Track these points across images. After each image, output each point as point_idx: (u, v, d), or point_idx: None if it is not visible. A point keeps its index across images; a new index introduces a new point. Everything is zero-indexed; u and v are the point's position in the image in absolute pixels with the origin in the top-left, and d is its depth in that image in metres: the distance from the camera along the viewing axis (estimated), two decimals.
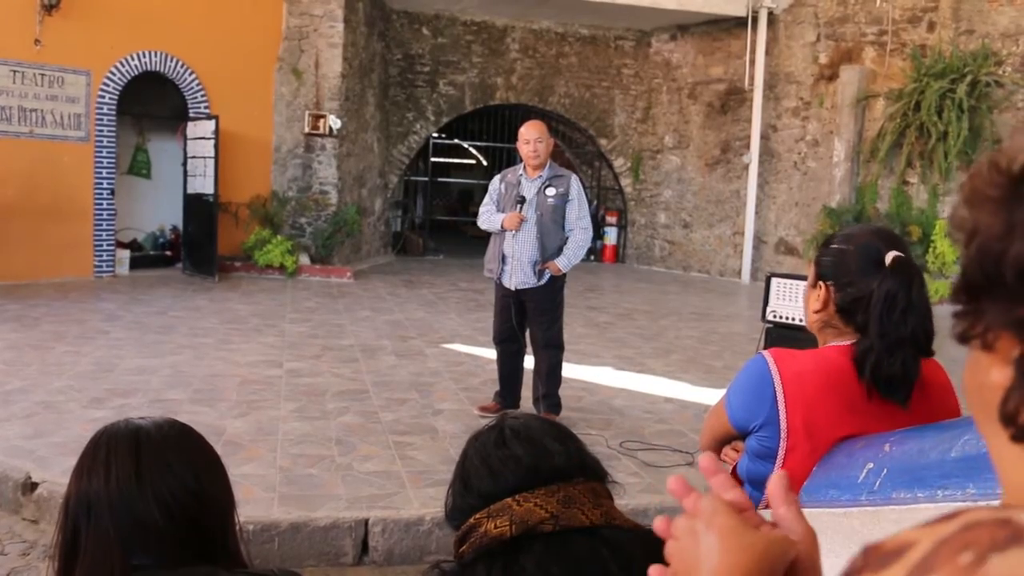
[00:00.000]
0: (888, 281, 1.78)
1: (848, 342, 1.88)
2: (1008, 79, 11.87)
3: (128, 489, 1.44)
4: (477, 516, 1.28)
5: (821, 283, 1.92)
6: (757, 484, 1.88)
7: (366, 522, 4.31)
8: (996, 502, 1.18)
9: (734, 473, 1.98)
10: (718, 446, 2.10)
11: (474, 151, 23.89)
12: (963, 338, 0.61)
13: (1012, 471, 0.60)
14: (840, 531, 1.38)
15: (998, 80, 11.86)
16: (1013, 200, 0.58)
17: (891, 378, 1.78)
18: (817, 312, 1.93)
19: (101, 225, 12.29)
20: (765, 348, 5.28)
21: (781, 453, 1.81)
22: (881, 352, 1.76)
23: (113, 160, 12.43)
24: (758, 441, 1.86)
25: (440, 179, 20.93)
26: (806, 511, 1.57)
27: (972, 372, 0.63)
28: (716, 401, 2.09)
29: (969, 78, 11.79)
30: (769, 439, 1.83)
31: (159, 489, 1.45)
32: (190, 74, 12.96)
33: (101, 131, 12.19)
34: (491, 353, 6.43)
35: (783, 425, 1.81)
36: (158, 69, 12.74)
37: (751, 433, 1.89)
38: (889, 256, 1.81)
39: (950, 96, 11.86)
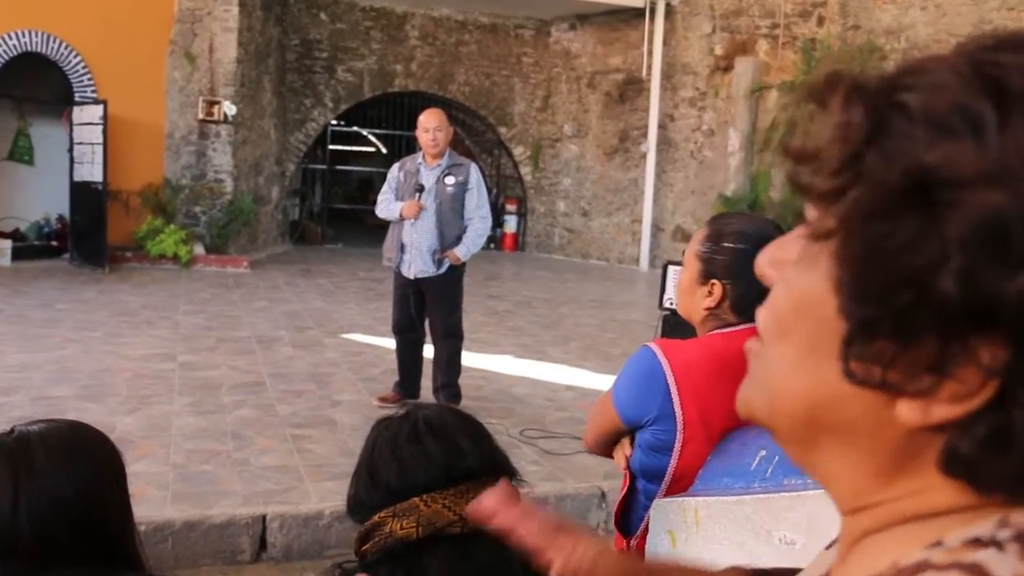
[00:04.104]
0: None
1: (732, 329, 1.90)
2: None
3: (4, 506, 1.39)
4: (382, 515, 1.25)
5: (715, 281, 1.92)
6: (653, 478, 1.88)
7: (263, 518, 4.23)
8: None
9: (628, 469, 1.98)
10: (607, 443, 2.06)
11: (373, 139, 23.66)
12: (874, 383, 0.53)
13: (855, 479, 0.57)
14: (734, 518, 1.40)
15: None
16: (927, 207, 0.49)
17: None
18: (709, 308, 1.94)
19: None
20: (662, 336, 5.36)
21: (678, 446, 1.81)
22: None
23: None
24: (652, 435, 1.85)
25: (339, 167, 20.68)
26: (702, 499, 1.59)
27: (827, 402, 0.56)
28: (601, 397, 2.06)
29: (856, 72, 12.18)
30: (664, 432, 1.83)
31: (37, 503, 1.40)
32: (75, 56, 12.49)
33: None
34: (390, 343, 6.39)
35: (679, 418, 1.81)
36: (39, 50, 12.24)
37: (643, 427, 1.88)
38: None
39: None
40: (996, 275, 0.47)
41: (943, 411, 0.51)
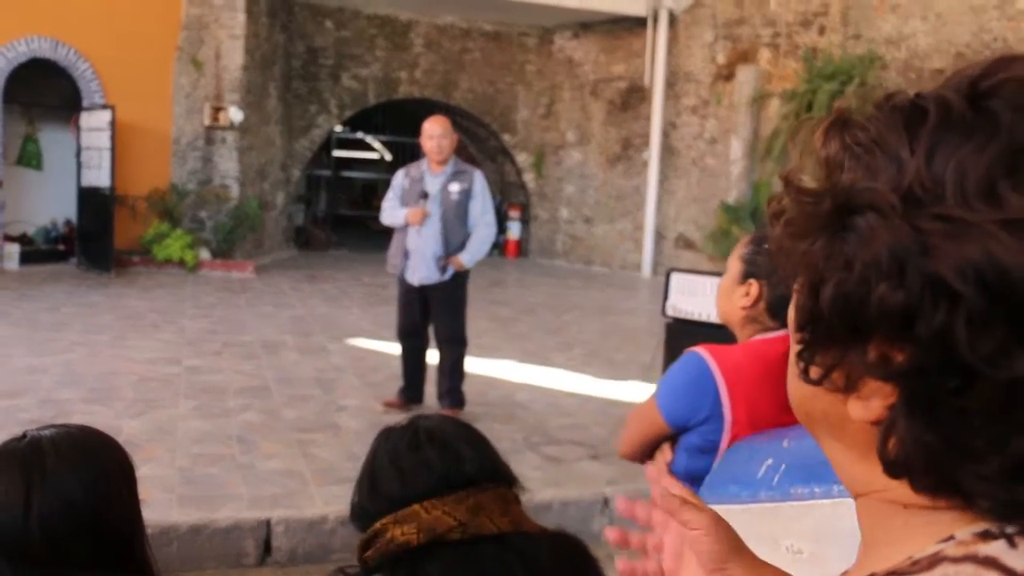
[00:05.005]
0: None
1: (774, 334, 1.95)
2: (892, 83, 12.31)
3: (15, 511, 1.40)
4: (383, 521, 1.27)
5: (753, 281, 1.97)
6: (698, 479, 1.90)
7: (268, 522, 4.26)
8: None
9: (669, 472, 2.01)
10: (647, 449, 2.08)
11: (378, 145, 23.70)
12: (816, 382, 0.60)
13: (849, 468, 0.64)
14: (740, 527, 1.42)
15: (883, 84, 12.31)
16: (839, 229, 0.57)
17: None
18: (745, 308, 1.99)
19: None
20: (666, 342, 5.39)
21: (724, 445, 1.85)
22: None
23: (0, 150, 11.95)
24: (700, 436, 1.89)
25: (343, 173, 20.72)
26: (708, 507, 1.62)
27: (805, 398, 0.64)
28: (640, 404, 2.10)
29: (857, 81, 12.20)
30: (713, 432, 1.87)
31: (49, 508, 1.41)
32: (83, 62, 12.54)
33: None
34: (395, 348, 6.41)
35: (727, 418, 1.85)
36: (48, 56, 12.30)
37: (690, 429, 1.92)
38: None
39: (840, 97, 12.25)
40: (865, 287, 0.54)
41: (876, 408, 0.57)
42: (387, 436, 1.38)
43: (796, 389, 0.65)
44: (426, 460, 1.30)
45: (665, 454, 2.03)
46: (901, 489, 0.59)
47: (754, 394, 1.87)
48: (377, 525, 1.27)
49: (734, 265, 2.04)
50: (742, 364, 1.91)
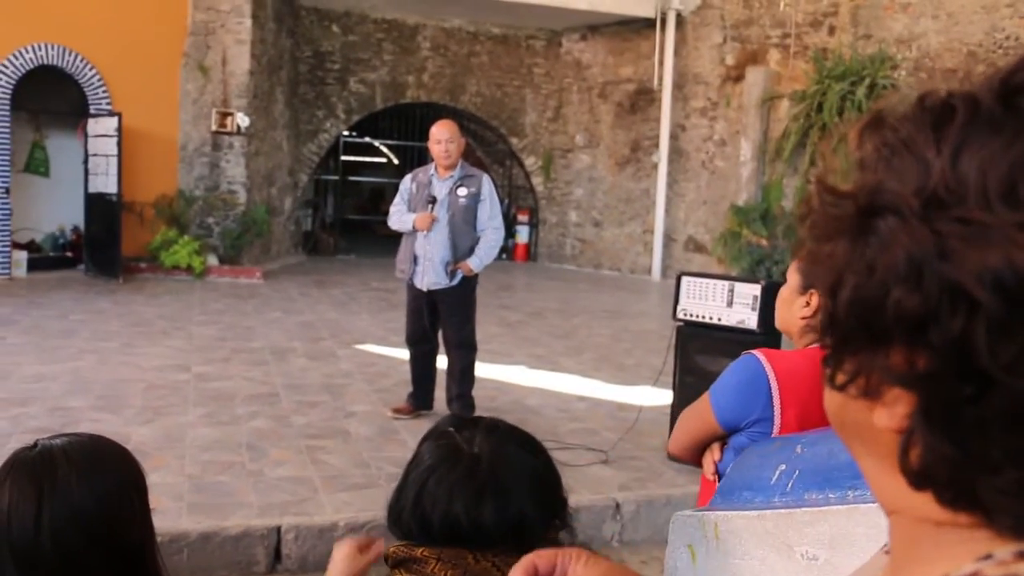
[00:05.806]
0: None
1: None
2: (903, 82, 12.27)
3: (26, 521, 1.40)
4: (425, 551, 1.23)
5: (815, 291, 1.98)
6: None
7: (278, 529, 4.24)
8: None
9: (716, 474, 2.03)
10: (697, 448, 2.11)
11: (385, 150, 23.71)
12: (841, 388, 0.59)
13: (880, 481, 0.61)
14: (754, 534, 1.40)
15: (894, 83, 12.26)
16: (861, 232, 0.55)
17: None
18: (806, 318, 2.02)
19: None
20: (677, 346, 5.36)
21: None
22: None
23: (7, 157, 11.97)
24: (749, 437, 1.93)
25: (351, 178, 20.73)
26: (722, 513, 1.59)
27: (838, 406, 0.62)
28: (694, 403, 2.13)
29: (867, 81, 12.15)
30: (761, 434, 1.91)
31: (60, 517, 1.40)
32: (90, 69, 12.56)
33: None
34: (404, 353, 6.39)
35: (776, 421, 1.88)
36: (56, 63, 12.32)
37: (741, 430, 1.95)
38: None
39: (850, 98, 12.21)
40: (882, 291, 0.53)
41: (900, 416, 0.55)
42: (451, 461, 1.29)
43: (830, 398, 0.63)
44: (479, 519, 1.24)
45: (714, 453, 2.06)
46: (931, 506, 0.56)
47: (806, 398, 1.89)
48: (418, 552, 1.24)
49: (794, 275, 2.08)
50: (797, 368, 1.94)
